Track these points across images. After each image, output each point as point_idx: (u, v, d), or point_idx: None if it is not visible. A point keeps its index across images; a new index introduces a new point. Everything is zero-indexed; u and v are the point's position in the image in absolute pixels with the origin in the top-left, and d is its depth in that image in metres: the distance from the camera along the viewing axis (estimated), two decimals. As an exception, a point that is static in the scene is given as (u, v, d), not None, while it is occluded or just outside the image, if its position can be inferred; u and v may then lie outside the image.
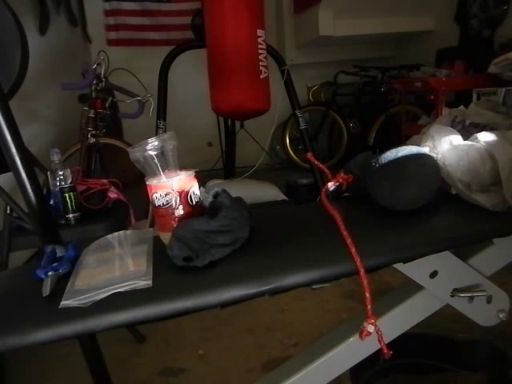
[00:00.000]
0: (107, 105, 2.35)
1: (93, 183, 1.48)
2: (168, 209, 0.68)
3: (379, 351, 0.68)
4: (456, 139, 0.79)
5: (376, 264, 0.65)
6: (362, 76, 4.15)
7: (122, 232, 0.79)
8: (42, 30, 2.79)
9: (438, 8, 3.89)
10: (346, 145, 4.13)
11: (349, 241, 0.65)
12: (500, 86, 2.19)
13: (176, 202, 0.68)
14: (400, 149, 0.76)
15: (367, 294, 0.64)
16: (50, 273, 0.63)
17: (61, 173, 1.33)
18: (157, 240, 0.73)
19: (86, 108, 2.29)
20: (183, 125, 3.71)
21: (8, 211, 1.36)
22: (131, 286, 0.59)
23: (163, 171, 0.69)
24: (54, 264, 0.66)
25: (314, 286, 0.64)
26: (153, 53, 3.64)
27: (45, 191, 1.37)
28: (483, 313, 0.81)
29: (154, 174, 0.69)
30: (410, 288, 0.79)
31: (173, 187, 0.68)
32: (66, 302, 0.57)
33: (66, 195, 1.33)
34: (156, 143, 0.68)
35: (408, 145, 0.79)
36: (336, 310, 1.71)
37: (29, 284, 0.64)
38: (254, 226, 0.72)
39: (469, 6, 3.52)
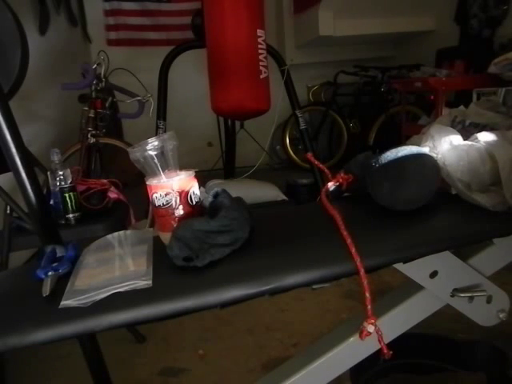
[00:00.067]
0: (107, 105, 2.35)
1: (93, 183, 1.48)
2: (168, 209, 0.68)
3: (379, 351, 0.68)
4: (456, 139, 0.79)
5: (376, 264, 0.65)
6: (362, 76, 4.15)
7: (121, 232, 0.79)
8: (42, 30, 2.79)
9: (438, 8, 3.89)
10: (345, 145, 4.13)
11: (349, 241, 0.65)
12: (500, 86, 2.19)
13: (176, 201, 0.68)
14: (400, 149, 0.76)
15: (367, 294, 0.64)
16: (50, 273, 0.63)
17: (61, 173, 1.33)
18: (157, 240, 0.73)
19: (86, 108, 2.29)
20: (183, 125, 3.71)
21: (8, 211, 1.36)
22: (131, 286, 0.59)
23: (163, 171, 0.69)
24: (54, 264, 0.66)
25: (314, 286, 0.64)
26: (153, 53, 3.64)
27: (45, 191, 1.37)
28: (483, 313, 0.81)
29: (154, 174, 0.69)
30: (410, 288, 0.79)
31: (173, 187, 0.68)
32: (65, 302, 0.57)
33: (66, 195, 1.33)
34: (156, 143, 0.68)
35: (408, 145, 0.79)
36: (336, 310, 1.71)
37: (29, 284, 0.64)
38: (253, 225, 0.72)
39: (469, 6, 3.52)
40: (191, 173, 0.71)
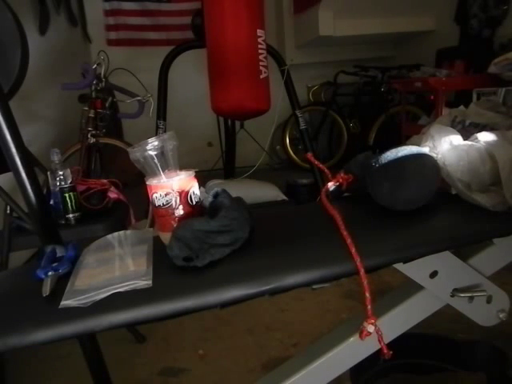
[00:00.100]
0: (107, 105, 2.35)
1: (93, 183, 1.48)
2: (168, 209, 0.68)
3: (379, 351, 0.68)
4: (456, 139, 0.79)
5: (376, 264, 0.65)
6: (362, 76, 4.15)
7: (121, 232, 0.79)
8: (42, 30, 2.79)
9: (438, 8, 3.89)
10: (345, 145, 4.13)
11: (349, 241, 0.65)
12: (500, 86, 2.19)
13: (176, 201, 0.68)
14: (400, 149, 0.76)
15: (367, 294, 0.64)
16: (50, 273, 0.63)
17: (61, 173, 1.33)
18: (157, 240, 0.73)
19: (86, 108, 2.29)
20: (183, 125, 3.72)
21: (8, 211, 1.36)
22: (131, 286, 0.59)
23: (163, 171, 0.69)
24: (54, 264, 0.66)
25: (314, 286, 0.64)
26: (153, 53, 3.64)
27: (45, 191, 1.37)
28: (483, 313, 0.81)
29: (154, 174, 0.69)
30: (410, 288, 0.79)
31: (173, 187, 0.68)
32: (65, 302, 0.57)
33: (66, 195, 1.33)
34: (156, 143, 0.68)
35: (408, 145, 0.79)
36: (336, 310, 1.71)
37: (29, 284, 0.64)
38: (254, 225, 0.72)
39: (469, 5, 3.52)
40: (191, 173, 0.71)
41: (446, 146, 0.78)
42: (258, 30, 2.40)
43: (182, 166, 0.71)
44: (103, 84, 2.31)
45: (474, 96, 2.42)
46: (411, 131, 2.16)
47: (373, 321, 0.65)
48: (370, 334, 0.65)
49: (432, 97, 3.15)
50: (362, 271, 0.62)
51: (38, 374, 1.46)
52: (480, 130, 0.81)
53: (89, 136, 2.25)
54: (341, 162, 3.98)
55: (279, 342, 1.54)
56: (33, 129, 2.48)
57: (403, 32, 4.08)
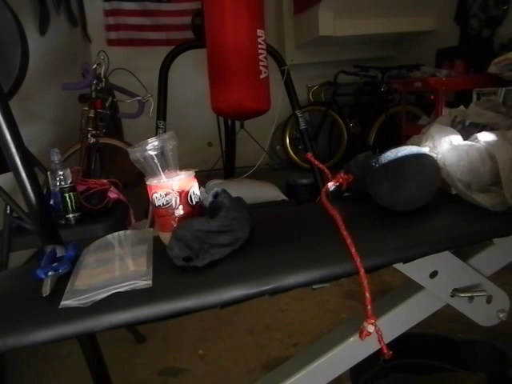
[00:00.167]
0: (107, 105, 2.35)
1: (93, 183, 1.48)
2: (168, 209, 0.68)
3: (379, 351, 0.68)
4: (456, 139, 0.79)
5: (376, 264, 0.65)
6: (362, 76, 4.15)
7: (121, 232, 0.79)
8: (42, 30, 2.79)
9: (438, 8, 3.89)
10: (345, 145, 4.13)
11: (349, 241, 0.65)
12: (500, 86, 2.19)
13: (176, 201, 0.68)
14: (400, 149, 0.76)
15: (367, 294, 0.64)
16: (50, 273, 0.63)
17: (61, 173, 1.33)
18: (157, 240, 0.73)
19: (86, 108, 2.29)
20: (183, 125, 3.72)
21: (8, 211, 1.36)
22: (131, 286, 0.59)
23: (163, 171, 0.69)
24: (54, 264, 0.66)
25: (314, 286, 0.64)
26: (153, 53, 3.64)
27: (45, 191, 1.37)
28: (483, 313, 0.81)
29: (154, 174, 0.69)
30: (410, 288, 0.79)
31: (173, 187, 0.68)
32: (65, 302, 0.57)
33: (66, 195, 1.33)
34: (156, 143, 0.68)
35: (408, 145, 0.79)
36: (336, 310, 1.71)
37: (29, 284, 0.64)
38: (254, 225, 0.72)
39: (469, 5, 3.52)
40: (191, 173, 0.71)
41: (445, 146, 0.78)
42: (258, 30, 2.40)
43: (182, 166, 0.71)
44: (103, 84, 2.31)
45: (474, 96, 2.42)
46: (411, 131, 2.16)
47: (373, 321, 0.65)
48: (369, 334, 0.65)
49: (432, 97, 3.15)
50: (361, 271, 0.62)
51: (38, 373, 1.46)
52: (480, 130, 0.81)
53: (89, 136, 2.25)
54: (341, 162, 3.98)
55: (279, 342, 1.54)
56: (33, 129, 2.48)
57: (403, 32, 4.08)
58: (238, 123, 3.09)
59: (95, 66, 2.27)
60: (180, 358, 1.49)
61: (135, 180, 1.51)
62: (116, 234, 0.78)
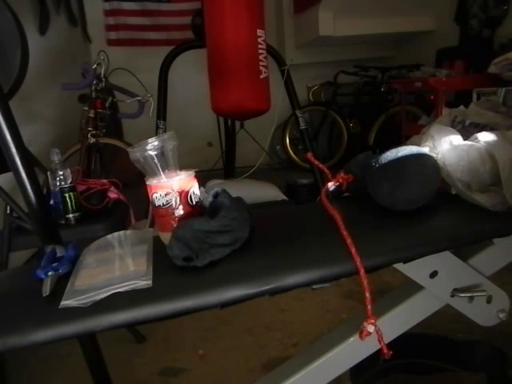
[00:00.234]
0: (107, 105, 2.35)
1: (93, 183, 1.48)
2: (168, 209, 0.68)
3: (379, 351, 0.68)
4: (456, 139, 0.79)
5: (376, 264, 0.65)
6: (362, 76, 4.15)
7: (121, 232, 0.79)
8: (42, 30, 2.79)
9: (438, 8, 3.89)
10: (346, 145, 4.13)
11: (349, 241, 0.65)
12: (500, 86, 2.19)
13: (176, 201, 0.68)
14: (400, 149, 0.76)
15: (367, 294, 0.64)
16: (50, 273, 0.63)
17: (61, 173, 1.33)
18: (157, 240, 0.73)
19: (86, 108, 2.29)
20: (183, 125, 3.71)
21: (8, 211, 1.36)
22: (131, 286, 0.59)
23: (163, 171, 0.69)
24: (54, 264, 0.66)
25: (314, 286, 0.64)
26: (153, 53, 3.64)
27: (45, 191, 1.37)
28: (483, 313, 0.81)
29: (154, 174, 0.69)
30: (410, 288, 0.79)
31: (173, 187, 0.68)
32: (65, 302, 0.57)
33: (66, 195, 1.33)
34: (156, 143, 0.68)
35: (408, 145, 0.79)
36: (336, 310, 1.71)
37: (29, 284, 0.64)
38: (254, 226, 0.72)
39: (469, 5, 3.52)
40: (191, 173, 0.71)
41: (445, 146, 0.78)
42: (258, 30, 2.40)
43: (182, 166, 0.71)
44: (103, 84, 2.31)
45: (474, 96, 2.42)
46: (411, 131, 2.17)
47: (373, 321, 0.65)
48: (370, 334, 0.65)
49: (432, 97, 3.15)
50: (362, 271, 0.62)
51: (38, 374, 1.46)
52: (480, 130, 0.81)
53: (89, 136, 2.25)
54: (341, 162, 3.98)
55: (279, 342, 1.54)
56: (33, 129, 2.48)
57: (403, 32, 4.08)
58: (238, 123, 3.09)
59: (95, 65, 2.27)
60: (180, 358, 1.49)
61: (135, 180, 1.51)
62: (116, 234, 0.78)
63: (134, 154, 0.69)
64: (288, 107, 2.90)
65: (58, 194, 1.34)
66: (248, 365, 1.43)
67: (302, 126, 2.83)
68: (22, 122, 0.90)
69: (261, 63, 2.44)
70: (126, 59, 3.15)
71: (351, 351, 0.77)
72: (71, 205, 1.34)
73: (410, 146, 0.77)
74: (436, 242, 0.69)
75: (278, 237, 0.74)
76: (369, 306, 0.64)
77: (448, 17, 3.75)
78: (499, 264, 0.81)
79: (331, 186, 0.86)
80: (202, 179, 2.60)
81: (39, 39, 2.76)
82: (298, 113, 2.83)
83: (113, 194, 1.52)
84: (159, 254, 0.67)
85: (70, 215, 1.35)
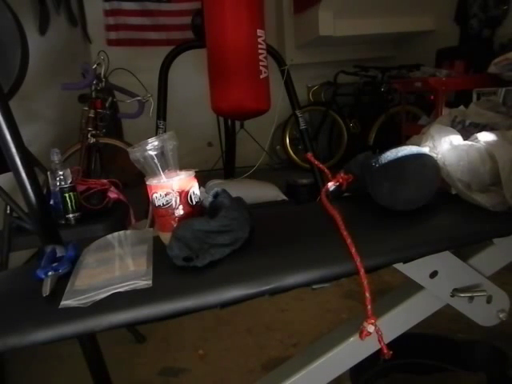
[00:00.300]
0: (107, 105, 2.35)
1: (93, 183, 1.48)
2: (168, 209, 0.68)
3: (379, 351, 0.68)
4: (456, 139, 0.79)
5: (376, 264, 0.65)
6: (362, 76, 4.15)
7: (121, 232, 0.79)
8: (42, 30, 2.79)
9: (438, 8, 3.89)
10: (345, 145, 4.13)
11: (349, 241, 0.65)
12: (500, 86, 2.19)
13: (176, 201, 0.68)
14: (400, 149, 0.76)
15: (367, 294, 0.64)
16: (50, 273, 0.63)
17: (61, 173, 1.33)
18: (157, 240, 0.73)
19: (86, 108, 2.29)
20: (183, 125, 3.71)
21: (8, 211, 1.36)
22: (131, 286, 0.59)
23: (163, 171, 0.69)
24: (54, 264, 0.66)
25: (314, 286, 0.64)
26: (153, 53, 3.64)
27: (45, 191, 1.37)
28: (483, 313, 0.81)
29: (154, 174, 0.69)
30: (410, 288, 0.79)
31: (173, 187, 0.68)
32: (65, 302, 0.57)
33: (66, 195, 1.33)
34: (156, 143, 0.68)
35: (408, 145, 0.79)
36: (336, 310, 1.71)
37: (29, 284, 0.64)
38: (254, 226, 0.72)
39: (469, 5, 3.52)
40: (191, 173, 0.71)
41: (445, 146, 0.78)
42: (258, 30, 2.40)
43: (182, 166, 0.71)
44: (103, 84, 2.31)
45: (474, 96, 2.42)
46: (411, 131, 2.17)
47: (373, 321, 0.65)
48: (370, 334, 0.65)
49: (432, 97, 3.15)
50: (362, 271, 0.62)
51: (38, 374, 1.46)
52: (480, 130, 0.81)
53: (89, 136, 2.25)
54: (341, 162, 3.98)
55: (279, 342, 1.54)
56: (33, 129, 2.48)
57: (403, 32, 4.08)
58: (238, 123, 3.09)
59: (95, 65, 2.27)
60: (180, 358, 1.49)
61: (135, 180, 1.51)
62: (116, 234, 0.78)
63: (134, 153, 0.69)
64: (288, 107, 2.90)
65: (58, 194, 1.34)
66: (248, 365, 1.43)
67: (302, 126, 2.83)
68: (22, 122, 0.90)
69: (261, 63, 2.44)
70: (125, 59, 3.14)
71: (351, 351, 0.77)
72: (71, 205, 1.34)
73: (410, 146, 0.77)
74: (436, 242, 0.69)
75: (278, 237, 0.74)
76: (369, 306, 0.64)
77: (448, 17, 3.75)
78: (499, 264, 0.81)
79: (331, 186, 0.86)
80: (202, 179, 2.60)
81: (39, 39, 2.76)
82: (298, 113, 2.83)
83: (113, 194, 1.52)
84: (159, 254, 0.67)
85: (70, 215, 1.35)
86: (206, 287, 0.59)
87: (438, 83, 2.72)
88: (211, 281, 0.60)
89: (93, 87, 2.28)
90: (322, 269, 0.62)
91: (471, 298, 0.78)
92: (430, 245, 0.68)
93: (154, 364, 1.47)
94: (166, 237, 0.69)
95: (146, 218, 2.28)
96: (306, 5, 3.99)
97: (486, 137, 0.77)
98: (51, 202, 1.35)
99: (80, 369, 1.14)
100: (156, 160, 0.68)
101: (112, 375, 1.13)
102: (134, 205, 1.66)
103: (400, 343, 0.73)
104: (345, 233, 0.67)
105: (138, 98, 2.37)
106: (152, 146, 0.68)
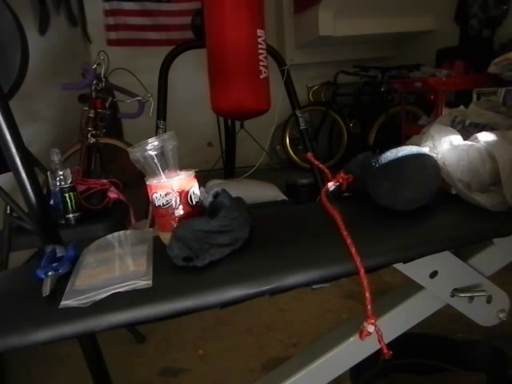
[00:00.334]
0: (107, 105, 2.35)
1: (93, 183, 1.48)
2: (168, 209, 0.68)
3: (379, 351, 0.68)
4: (456, 139, 0.79)
5: (376, 264, 0.65)
6: (362, 76, 4.15)
7: (121, 232, 0.79)
8: (42, 30, 2.79)
9: (438, 8, 3.89)
10: (346, 145, 4.13)
11: (349, 241, 0.65)
12: (500, 86, 2.20)
13: (176, 201, 0.68)
14: (400, 149, 0.76)
15: (367, 294, 0.64)
16: (50, 273, 0.63)
17: (61, 173, 1.33)
18: (157, 240, 0.73)
19: (86, 108, 2.29)
20: (183, 125, 3.70)
21: (8, 211, 1.36)
22: (131, 286, 0.59)
23: (163, 171, 0.69)
24: (54, 264, 0.66)
25: (314, 286, 0.64)
26: (153, 53, 3.64)
27: (45, 191, 1.37)
28: (483, 313, 0.81)
29: (154, 174, 0.69)
30: (410, 288, 0.79)
31: (173, 187, 0.68)
32: (65, 302, 0.57)
33: (66, 195, 1.33)
34: (156, 143, 0.68)
35: (408, 145, 0.79)
36: (336, 310, 1.71)
37: (29, 284, 0.64)
38: (254, 225, 0.72)
39: (469, 5, 3.52)
40: (191, 173, 0.71)
41: (446, 146, 0.78)
42: (258, 30, 2.40)
43: (182, 166, 0.71)
44: (103, 84, 2.31)
45: (474, 96, 2.42)
46: (411, 131, 2.16)
47: (373, 321, 0.65)
48: (370, 334, 0.65)
49: (432, 97, 3.14)
50: (362, 271, 0.62)
51: (38, 374, 1.46)
52: (480, 130, 0.81)
53: (89, 136, 2.25)
54: (341, 162, 3.98)
55: (279, 342, 1.54)
56: (33, 129, 2.48)
57: (403, 32, 4.08)
58: (238, 123, 3.09)
59: (95, 66, 2.27)
60: (180, 358, 1.49)
61: (135, 180, 1.51)
62: (116, 234, 0.78)
63: (134, 153, 0.69)
64: (288, 107, 2.90)
65: (58, 194, 1.34)
66: (248, 365, 1.43)
67: (302, 126, 2.83)
68: (22, 122, 0.90)
69: (261, 63, 2.44)
70: (125, 59, 3.14)
71: (351, 351, 0.77)
72: (71, 205, 1.34)
73: (410, 146, 0.77)
74: (436, 242, 0.69)
75: (278, 237, 0.74)
76: (369, 306, 0.64)
77: (448, 17, 3.75)
78: (499, 264, 0.81)
79: (331, 185, 0.86)
80: (202, 179, 2.60)
81: (39, 39, 2.76)
82: (298, 113, 2.83)
83: (113, 194, 1.52)
84: (159, 254, 0.67)
85: (70, 215, 1.35)
86: (206, 287, 0.59)
87: (438, 83, 2.72)
88: (211, 281, 0.60)
89: (93, 87, 2.28)
90: (322, 269, 0.62)
91: (471, 298, 0.78)
92: (430, 245, 0.68)
93: (153, 364, 1.47)
94: (165, 237, 0.69)
95: (146, 218, 2.28)
96: (305, 5, 3.99)
97: (486, 137, 0.77)
98: (51, 202, 1.35)
99: (80, 369, 1.14)
100: (156, 160, 0.68)
101: (112, 375, 1.13)
102: (134, 205, 1.66)
103: (400, 343, 0.73)
104: (345, 233, 0.67)
105: (138, 97, 2.37)
106: (152, 146, 0.68)
